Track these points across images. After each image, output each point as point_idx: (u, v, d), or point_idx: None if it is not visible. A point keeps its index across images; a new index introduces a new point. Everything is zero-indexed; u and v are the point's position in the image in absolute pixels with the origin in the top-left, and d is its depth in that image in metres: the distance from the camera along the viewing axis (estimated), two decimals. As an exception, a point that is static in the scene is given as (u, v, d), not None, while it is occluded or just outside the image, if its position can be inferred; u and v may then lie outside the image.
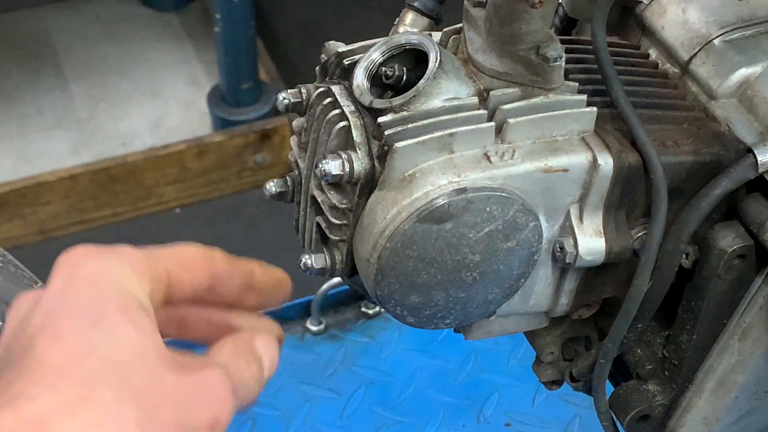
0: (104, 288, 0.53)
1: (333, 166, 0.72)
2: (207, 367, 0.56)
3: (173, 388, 0.52)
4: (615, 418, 0.92)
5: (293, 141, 0.83)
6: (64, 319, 0.51)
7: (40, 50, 3.11)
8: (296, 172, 0.82)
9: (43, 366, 0.49)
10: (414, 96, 0.73)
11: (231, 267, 0.61)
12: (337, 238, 0.78)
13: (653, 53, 0.89)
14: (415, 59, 0.76)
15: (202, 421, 0.54)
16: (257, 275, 0.63)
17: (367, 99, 0.74)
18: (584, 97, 0.77)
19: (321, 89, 0.78)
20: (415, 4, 0.93)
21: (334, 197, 0.76)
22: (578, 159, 0.75)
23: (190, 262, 0.60)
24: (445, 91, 0.74)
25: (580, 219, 0.78)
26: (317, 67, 0.82)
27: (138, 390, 0.50)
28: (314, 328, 1.91)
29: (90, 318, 0.51)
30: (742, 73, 0.83)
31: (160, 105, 2.95)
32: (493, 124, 0.74)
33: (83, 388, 0.49)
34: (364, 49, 0.78)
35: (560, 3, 0.95)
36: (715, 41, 0.85)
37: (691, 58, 0.85)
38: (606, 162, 0.75)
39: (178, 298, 0.60)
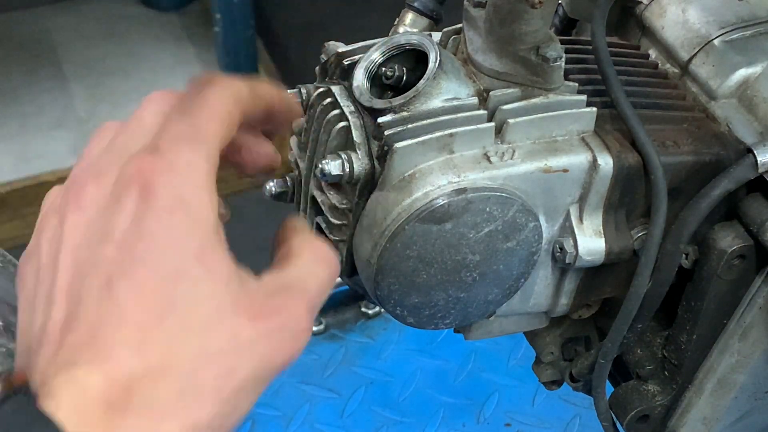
0: (182, 228, 0.50)
1: (333, 167, 0.72)
2: (288, 299, 0.54)
3: (252, 343, 0.50)
4: (615, 418, 0.92)
5: (293, 141, 0.83)
6: (142, 268, 0.49)
7: (40, 50, 3.10)
8: (296, 172, 0.82)
9: (126, 321, 0.47)
10: (414, 96, 0.73)
11: (254, 92, 0.59)
12: (337, 238, 0.78)
13: (653, 53, 0.89)
14: (415, 59, 0.76)
15: (279, 365, 0.52)
16: (276, 101, 0.61)
17: (366, 99, 0.74)
18: (584, 97, 0.77)
19: (321, 89, 0.78)
20: (415, 4, 0.93)
21: (334, 197, 0.76)
22: (578, 159, 0.75)
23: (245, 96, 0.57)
24: (445, 91, 0.74)
25: (580, 219, 0.78)
26: (317, 67, 0.82)
27: (215, 354, 0.49)
28: (314, 328, 1.91)
29: (169, 270, 0.49)
30: (742, 73, 0.83)
31: (160, 105, 2.94)
32: (492, 124, 0.74)
33: (164, 354, 0.47)
34: (364, 49, 0.78)
35: (560, 3, 0.95)
36: (715, 41, 0.85)
37: (691, 59, 0.85)
38: (606, 162, 0.75)
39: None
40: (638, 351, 0.90)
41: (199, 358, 0.48)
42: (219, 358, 0.49)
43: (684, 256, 0.81)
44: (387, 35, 0.81)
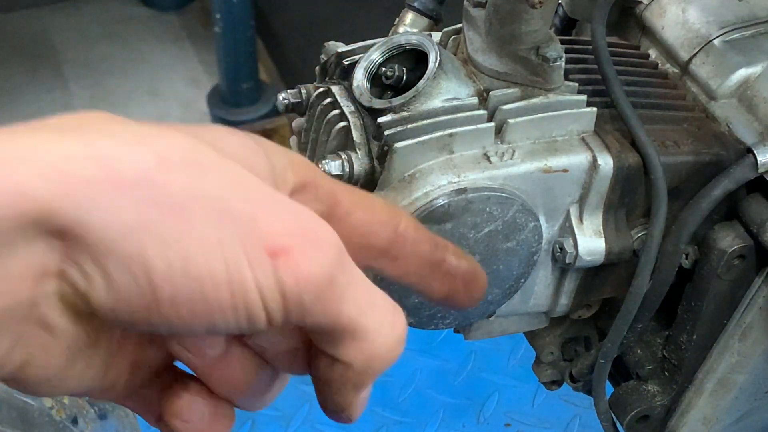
0: None
1: (333, 167, 0.72)
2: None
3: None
4: (615, 418, 0.92)
5: (293, 141, 0.83)
6: None
7: (40, 50, 3.10)
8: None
9: None
10: (414, 96, 0.73)
11: (419, 232, 0.47)
12: (337, 238, 0.78)
13: (653, 53, 0.89)
14: (415, 59, 0.76)
15: None
16: (450, 255, 0.47)
17: (366, 99, 0.74)
18: (584, 97, 0.77)
19: (321, 89, 0.78)
20: (415, 4, 0.92)
21: (334, 197, 0.76)
22: (578, 159, 0.75)
23: (374, 208, 0.46)
24: (445, 91, 0.74)
25: (580, 219, 0.78)
26: (317, 67, 0.82)
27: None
28: (314, 328, 1.90)
29: None
30: (742, 73, 0.83)
31: (160, 105, 2.94)
32: (492, 124, 0.74)
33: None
34: (364, 49, 0.78)
35: (560, 3, 0.95)
36: (715, 41, 0.85)
37: (690, 59, 0.85)
38: (606, 162, 0.75)
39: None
40: (638, 351, 0.90)
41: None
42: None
43: (684, 256, 0.81)
44: (387, 35, 0.81)
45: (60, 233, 0.35)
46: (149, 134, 0.37)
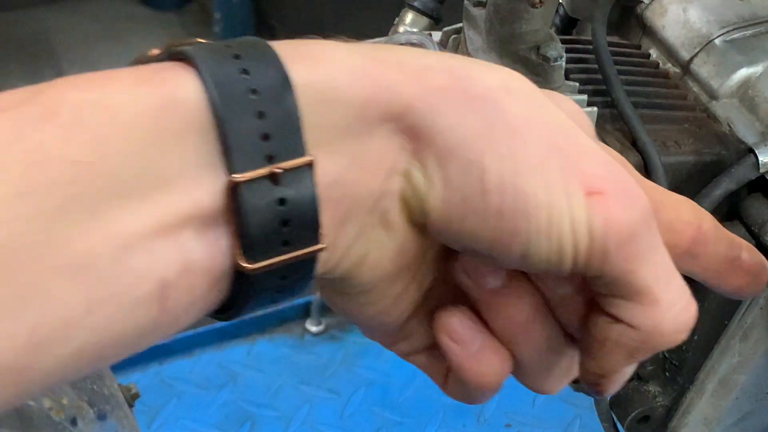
0: None
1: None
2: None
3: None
4: (616, 419, 0.92)
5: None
6: None
7: (39, 50, 3.10)
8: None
9: None
10: (414, 96, 0.72)
11: (719, 232, 0.47)
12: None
13: (654, 53, 0.89)
14: (415, 59, 0.76)
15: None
16: (745, 252, 0.48)
17: (366, 99, 0.74)
18: (585, 97, 0.76)
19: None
20: (415, 3, 0.92)
21: (334, 197, 0.76)
22: (579, 159, 0.75)
23: (680, 208, 0.46)
24: (445, 91, 0.73)
25: (581, 219, 0.77)
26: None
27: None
28: (314, 329, 1.91)
29: None
30: (743, 73, 0.83)
31: (159, 105, 2.94)
32: (493, 124, 0.73)
33: None
34: (364, 49, 0.78)
35: (560, 2, 0.95)
36: (716, 41, 0.85)
37: (692, 58, 0.85)
38: (607, 162, 0.75)
39: None
40: (639, 351, 0.89)
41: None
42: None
43: (685, 256, 0.81)
44: (387, 35, 0.80)
45: (413, 133, 0.38)
46: (497, 66, 0.41)
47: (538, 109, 0.40)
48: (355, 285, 0.41)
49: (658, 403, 0.89)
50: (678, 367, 0.87)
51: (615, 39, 0.91)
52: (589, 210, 0.38)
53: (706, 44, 0.85)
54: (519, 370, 0.44)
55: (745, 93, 0.83)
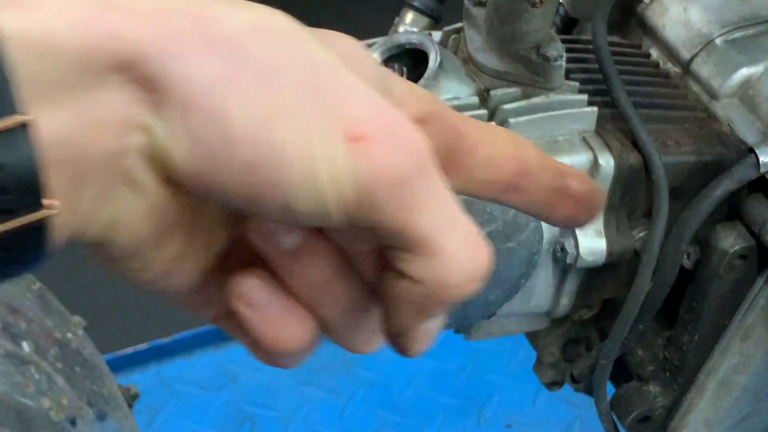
0: None
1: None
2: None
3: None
4: (616, 419, 0.92)
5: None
6: None
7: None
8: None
9: None
10: (414, 96, 0.72)
11: (543, 162, 0.45)
12: (337, 238, 0.77)
13: (654, 53, 0.89)
14: (415, 59, 0.76)
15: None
16: (572, 180, 0.46)
17: (366, 99, 0.74)
18: (585, 96, 0.76)
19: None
20: (415, 3, 0.92)
21: (334, 197, 0.76)
22: (579, 159, 0.75)
23: (499, 142, 0.44)
24: (446, 90, 0.73)
25: (581, 219, 0.77)
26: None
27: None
28: (314, 329, 1.90)
29: None
30: (744, 72, 0.83)
31: (159, 105, 2.95)
32: (493, 124, 0.73)
33: None
34: (364, 49, 0.78)
35: (561, 2, 0.95)
36: (717, 41, 0.85)
37: (692, 58, 0.85)
38: (607, 162, 0.75)
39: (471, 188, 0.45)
40: (639, 352, 0.89)
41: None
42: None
43: (685, 256, 0.81)
44: (387, 35, 0.80)
45: (148, 83, 0.35)
46: (250, 4, 0.37)
47: (296, 49, 0.37)
48: (115, 250, 0.38)
49: (659, 404, 0.89)
50: (678, 368, 0.87)
51: (615, 39, 0.91)
52: (352, 157, 0.36)
53: (707, 44, 0.85)
54: (326, 331, 0.42)
55: (745, 93, 0.82)
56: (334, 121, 0.36)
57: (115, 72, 0.34)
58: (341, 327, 0.42)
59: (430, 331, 0.42)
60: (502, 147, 0.44)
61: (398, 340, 0.41)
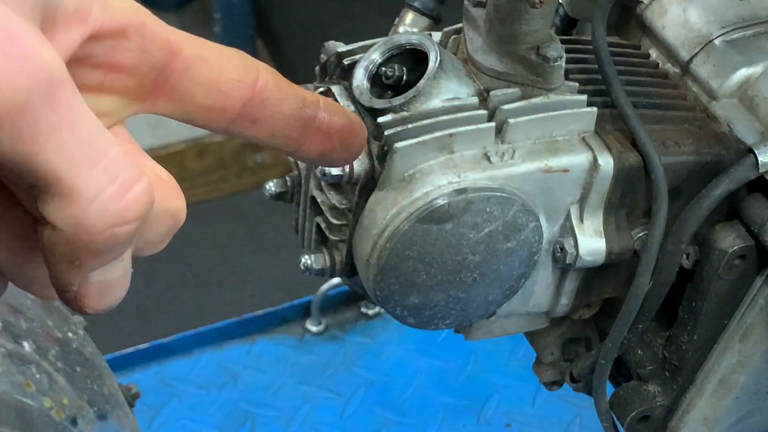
0: None
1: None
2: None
3: None
4: (615, 418, 0.92)
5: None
6: None
7: (39, 50, 3.10)
8: (296, 172, 0.82)
9: None
10: (414, 96, 0.73)
11: (281, 88, 0.41)
12: (337, 238, 0.78)
13: (654, 53, 0.89)
14: (415, 59, 0.76)
15: None
16: (322, 111, 0.42)
17: (366, 99, 0.74)
18: (584, 97, 0.77)
19: (320, 89, 0.78)
20: (415, 3, 0.92)
21: (334, 197, 0.76)
22: (579, 159, 0.75)
23: (221, 63, 0.40)
24: (445, 91, 0.73)
25: (581, 219, 0.78)
26: (317, 67, 0.82)
27: None
28: (314, 329, 1.91)
29: None
30: (743, 73, 0.83)
31: (159, 105, 2.94)
32: (493, 124, 0.73)
33: None
34: (364, 49, 0.78)
35: (560, 2, 0.95)
36: (716, 41, 0.85)
37: (691, 58, 0.85)
38: (606, 162, 0.75)
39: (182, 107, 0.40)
40: (639, 351, 0.90)
41: None
42: None
43: (685, 256, 0.81)
44: (387, 35, 0.81)
45: None
46: None
47: None
48: None
49: (658, 403, 0.89)
50: (678, 367, 0.87)
51: (615, 39, 0.91)
52: None
53: (706, 44, 0.85)
54: (2, 273, 0.38)
55: (744, 93, 0.83)
56: None
57: None
58: (12, 270, 0.38)
59: (106, 284, 0.37)
60: (228, 69, 0.39)
61: (66, 296, 0.36)
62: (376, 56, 0.76)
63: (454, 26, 0.81)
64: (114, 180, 0.34)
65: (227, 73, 0.39)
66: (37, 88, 0.31)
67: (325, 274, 0.79)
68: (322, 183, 0.76)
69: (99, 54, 0.37)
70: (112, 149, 0.34)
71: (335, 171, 0.72)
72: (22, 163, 0.32)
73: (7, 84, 0.30)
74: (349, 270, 0.78)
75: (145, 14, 0.39)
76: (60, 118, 0.32)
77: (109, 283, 0.36)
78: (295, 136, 0.41)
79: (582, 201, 0.77)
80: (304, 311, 1.91)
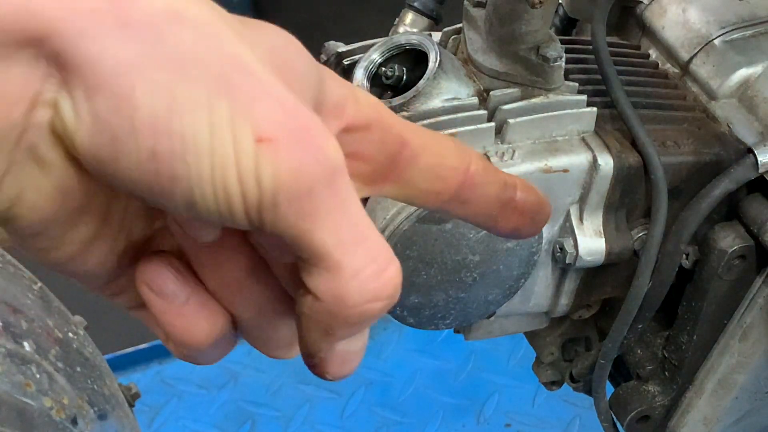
0: None
1: (333, 167, 0.72)
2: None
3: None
4: (615, 418, 0.92)
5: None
6: None
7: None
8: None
9: None
10: (414, 96, 0.73)
11: (489, 173, 0.44)
12: (337, 238, 0.78)
13: (653, 53, 0.89)
14: (415, 59, 0.76)
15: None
16: (519, 192, 0.46)
17: (366, 99, 0.74)
18: (584, 97, 0.77)
19: (321, 89, 0.78)
20: (415, 4, 0.92)
21: (334, 197, 0.76)
22: (578, 159, 0.75)
23: (443, 152, 0.43)
24: (445, 91, 0.74)
25: (580, 219, 0.78)
26: (317, 68, 0.82)
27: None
28: (314, 329, 1.90)
29: None
30: (743, 73, 0.83)
31: (159, 105, 2.94)
32: (492, 124, 0.74)
33: None
34: (364, 49, 0.78)
35: (560, 3, 0.95)
36: (716, 41, 0.85)
37: (691, 59, 0.85)
38: (606, 162, 0.75)
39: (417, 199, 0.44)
40: (638, 351, 0.90)
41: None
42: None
43: (684, 256, 0.81)
44: (387, 35, 0.81)
45: (59, 60, 0.34)
46: None
47: (212, 41, 0.35)
48: (20, 227, 0.37)
49: (658, 403, 0.89)
50: (677, 367, 0.88)
51: (614, 39, 0.91)
52: (259, 158, 0.34)
53: (706, 44, 0.85)
54: (241, 331, 0.41)
55: (744, 93, 0.83)
56: (243, 120, 0.34)
57: (26, 46, 0.33)
58: (255, 328, 0.41)
59: (348, 353, 0.41)
60: (446, 157, 0.43)
61: (311, 361, 0.40)
62: (376, 56, 0.76)
63: (454, 26, 0.81)
64: (373, 261, 0.37)
65: (446, 161, 0.43)
66: (323, 173, 0.35)
67: (325, 274, 0.79)
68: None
69: (346, 144, 0.40)
70: (373, 233, 0.38)
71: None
72: (298, 237, 0.36)
73: (302, 170, 0.35)
74: (349, 270, 0.78)
75: (383, 109, 0.43)
76: (336, 202, 0.36)
77: (350, 353, 0.41)
78: (494, 214, 0.45)
79: (582, 201, 0.77)
80: (304, 311, 1.91)
